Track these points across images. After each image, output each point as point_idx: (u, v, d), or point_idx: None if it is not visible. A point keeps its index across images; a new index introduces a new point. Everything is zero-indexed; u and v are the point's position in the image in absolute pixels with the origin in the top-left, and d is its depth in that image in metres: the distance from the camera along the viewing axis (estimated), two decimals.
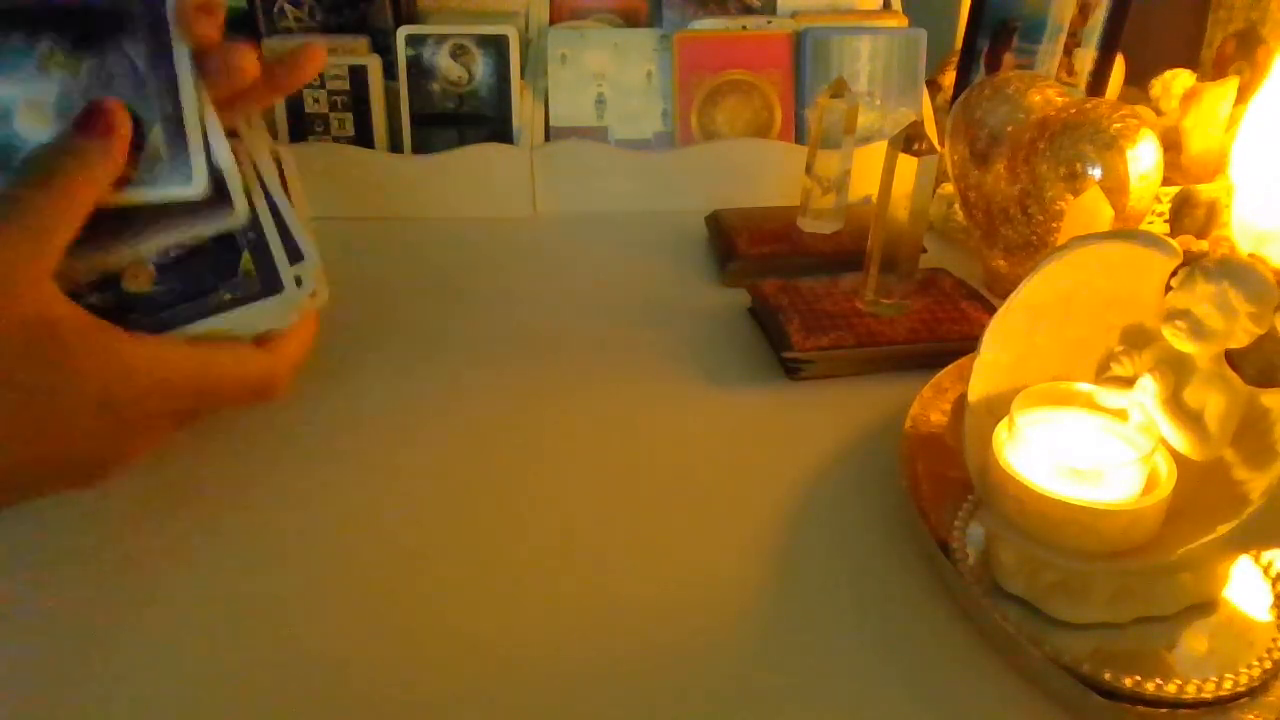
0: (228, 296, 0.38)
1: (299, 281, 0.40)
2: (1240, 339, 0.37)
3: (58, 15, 0.36)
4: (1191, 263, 0.38)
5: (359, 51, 0.80)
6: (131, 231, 0.37)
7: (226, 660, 0.37)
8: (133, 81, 0.36)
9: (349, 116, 0.80)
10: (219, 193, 0.38)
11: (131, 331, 0.36)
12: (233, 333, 0.39)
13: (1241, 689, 0.35)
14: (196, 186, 0.37)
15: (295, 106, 0.79)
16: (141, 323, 0.37)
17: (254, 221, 0.39)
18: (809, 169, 0.71)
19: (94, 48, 0.36)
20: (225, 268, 0.39)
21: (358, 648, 0.38)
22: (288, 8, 0.82)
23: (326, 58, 0.41)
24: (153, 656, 0.37)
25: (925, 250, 0.61)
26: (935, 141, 0.58)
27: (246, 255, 0.39)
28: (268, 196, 0.39)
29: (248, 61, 0.38)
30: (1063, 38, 0.77)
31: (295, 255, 0.40)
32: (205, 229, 0.38)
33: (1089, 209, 0.58)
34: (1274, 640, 0.37)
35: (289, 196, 0.40)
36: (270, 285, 0.39)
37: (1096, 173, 0.58)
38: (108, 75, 0.36)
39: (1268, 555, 0.40)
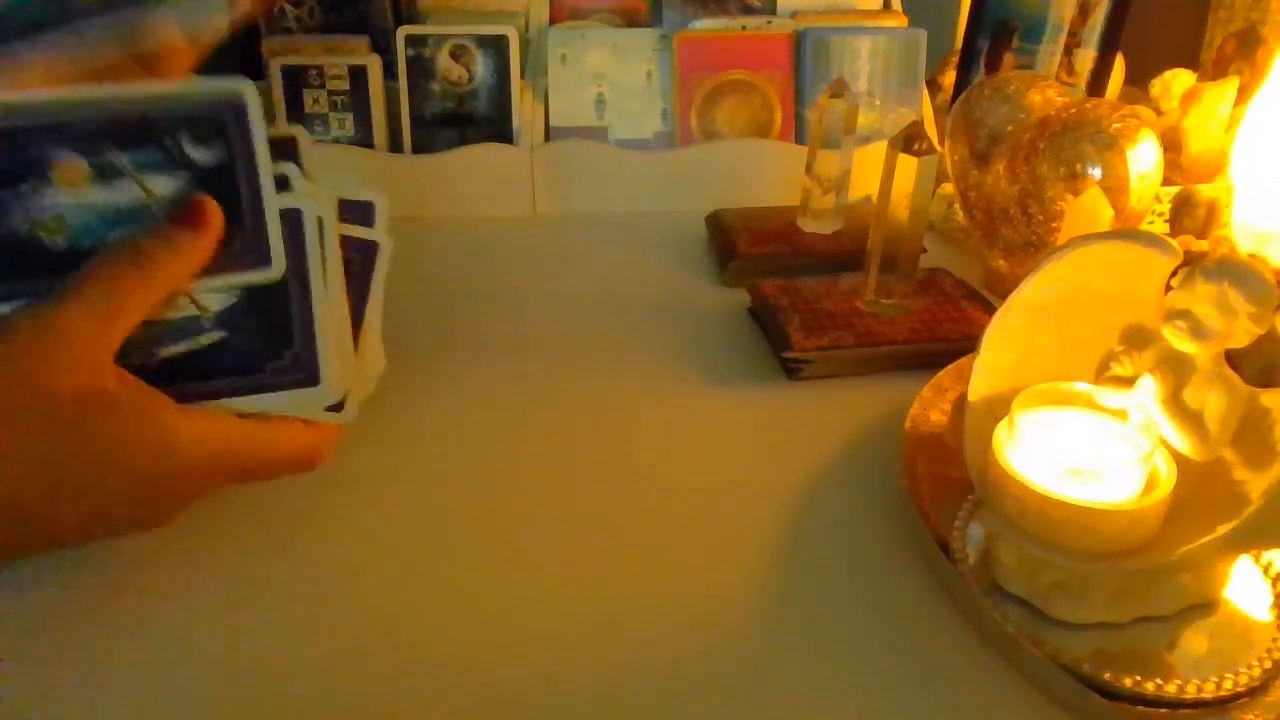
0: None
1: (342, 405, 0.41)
2: (1240, 339, 0.37)
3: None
4: (1191, 263, 0.38)
5: (359, 51, 0.80)
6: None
7: (216, 684, 0.37)
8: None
9: (349, 116, 0.80)
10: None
11: (181, 404, 0.36)
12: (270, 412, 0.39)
13: (1241, 689, 0.35)
14: (276, 268, 0.38)
15: (295, 106, 0.79)
16: (184, 391, 0.37)
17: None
18: (809, 169, 0.71)
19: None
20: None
21: (354, 652, 0.38)
22: (288, 8, 0.81)
23: None
24: (141, 683, 0.37)
25: (925, 250, 0.61)
26: (935, 141, 0.58)
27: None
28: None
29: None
30: (1063, 38, 0.77)
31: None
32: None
33: (1089, 209, 0.58)
34: (1274, 640, 0.37)
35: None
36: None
37: (1096, 173, 0.58)
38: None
39: (1268, 555, 0.40)
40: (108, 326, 0.34)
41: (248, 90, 0.37)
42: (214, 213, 0.37)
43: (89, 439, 0.34)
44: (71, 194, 0.36)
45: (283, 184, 0.38)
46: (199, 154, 0.37)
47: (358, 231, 0.42)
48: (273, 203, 0.38)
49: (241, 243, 0.38)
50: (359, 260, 0.42)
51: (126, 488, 0.35)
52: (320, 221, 0.39)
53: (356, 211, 0.42)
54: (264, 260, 0.38)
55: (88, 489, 0.35)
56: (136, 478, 0.35)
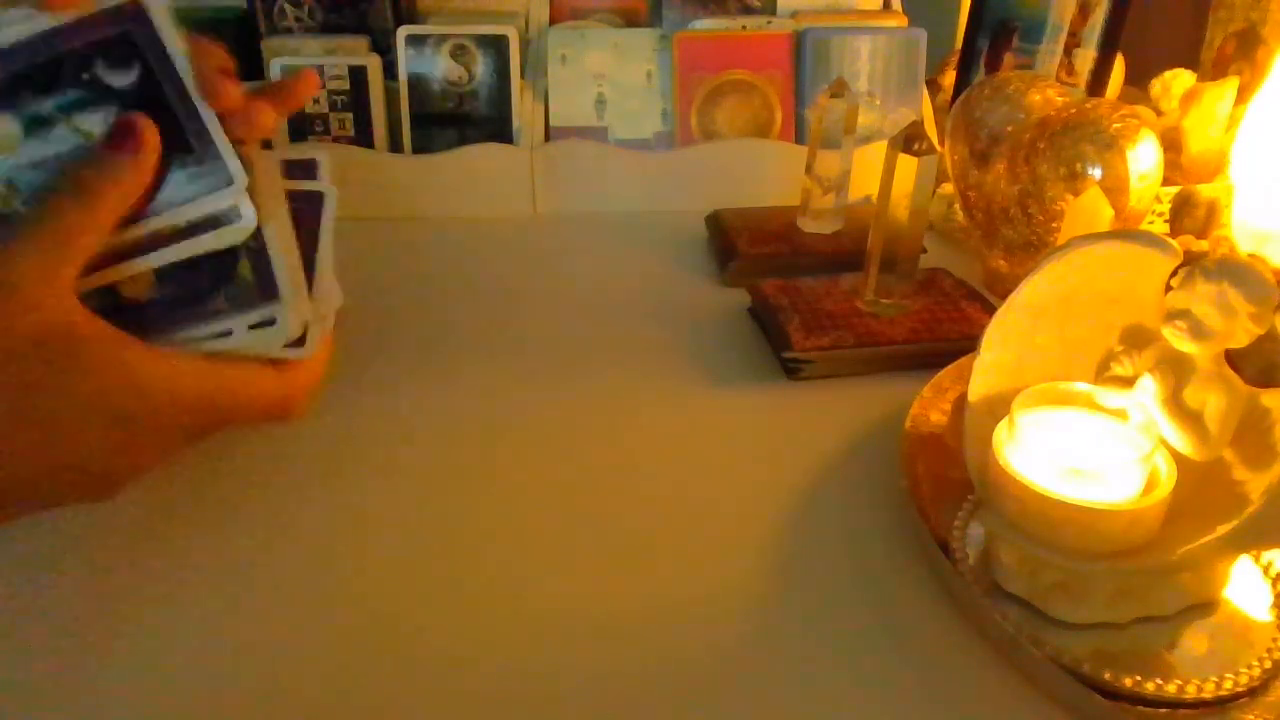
0: (224, 303, 0.38)
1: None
2: (1240, 339, 0.37)
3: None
4: (1191, 263, 0.38)
5: (359, 51, 0.80)
6: (140, 250, 0.37)
7: (218, 677, 0.37)
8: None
9: (349, 116, 0.80)
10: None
11: (148, 344, 0.36)
12: (239, 352, 0.38)
13: (1241, 689, 0.35)
14: (285, 298, 0.38)
15: None
16: (139, 327, 0.36)
17: (256, 231, 0.38)
18: (809, 169, 0.71)
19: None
20: (223, 275, 0.38)
21: (351, 659, 0.38)
22: (288, 8, 0.81)
23: (319, 81, 0.42)
24: (149, 665, 0.37)
25: (925, 250, 0.61)
26: (935, 141, 0.58)
27: (245, 262, 0.38)
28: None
29: (267, 118, 0.39)
30: (1063, 38, 0.77)
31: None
32: (214, 244, 0.38)
33: (1089, 209, 0.58)
34: (1274, 640, 0.37)
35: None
36: (268, 292, 0.39)
37: (1096, 173, 0.58)
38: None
39: (1268, 555, 0.40)
40: (60, 262, 0.34)
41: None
42: (146, 128, 0.36)
43: (61, 377, 0.33)
44: (9, 157, 0.35)
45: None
46: (120, 79, 0.36)
47: (304, 185, 0.42)
48: (210, 112, 0.37)
49: (196, 164, 0.37)
50: (308, 210, 0.42)
51: (98, 429, 0.35)
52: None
53: (301, 169, 0.43)
54: (226, 177, 0.37)
55: (60, 433, 0.34)
56: (112, 417, 0.35)
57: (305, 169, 0.44)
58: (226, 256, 0.38)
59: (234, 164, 0.37)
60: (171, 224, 0.37)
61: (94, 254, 0.35)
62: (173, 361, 0.36)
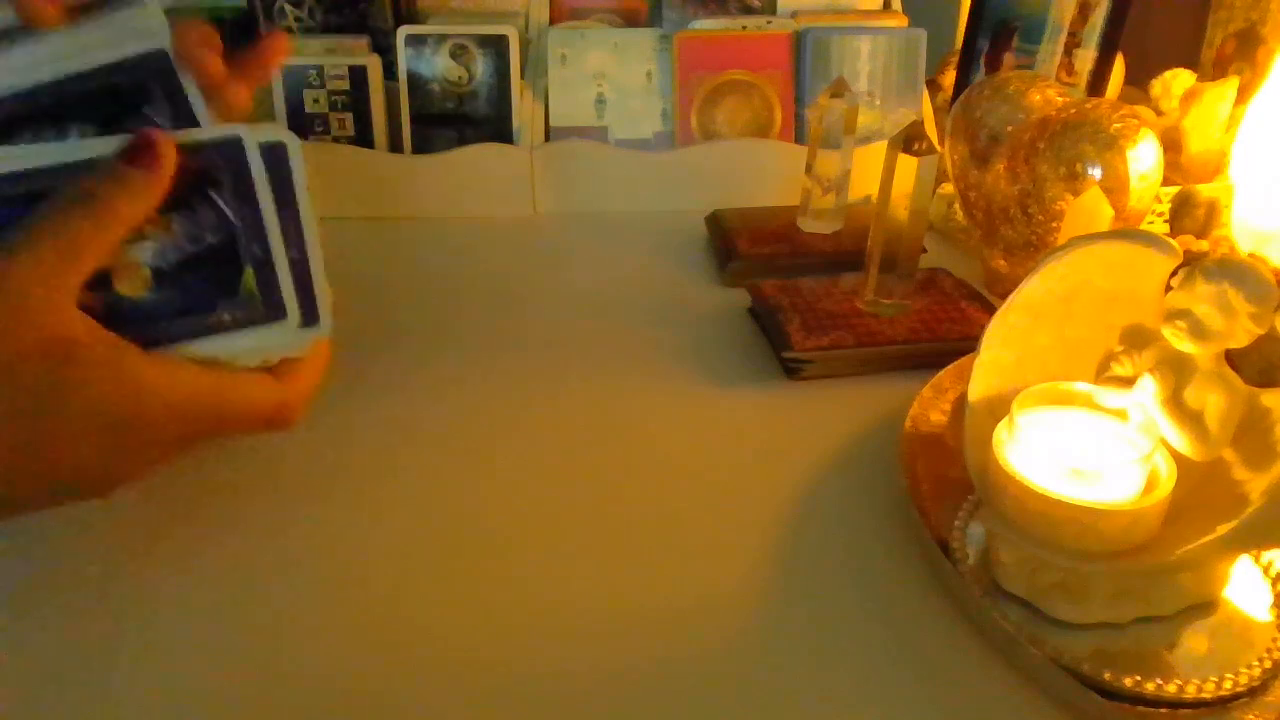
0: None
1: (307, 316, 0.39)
2: (1240, 339, 0.37)
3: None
4: (1191, 263, 0.38)
5: (359, 51, 0.80)
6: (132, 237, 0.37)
7: (222, 677, 0.37)
8: (225, 232, 0.37)
9: (349, 116, 0.80)
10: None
11: (146, 350, 0.36)
12: (236, 362, 0.38)
13: (1241, 689, 0.35)
14: (291, 319, 0.38)
15: (295, 106, 0.79)
16: (138, 334, 0.36)
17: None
18: (809, 169, 0.71)
19: (183, 205, 0.37)
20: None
21: (354, 659, 0.38)
22: (288, 8, 0.82)
23: (289, 44, 0.41)
24: (149, 670, 0.37)
25: (925, 250, 0.61)
26: (935, 141, 0.58)
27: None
28: (283, 210, 0.38)
29: (244, 99, 0.39)
30: (1063, 38, 0.77)
31: (305, 284, 0.39)
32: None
33: (1089, 209, 0.58)
34: (1274, 640, 0.37)
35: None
36: (274, 311, 0.38)
37: (1096, 173, 0.58)
38: (199, 230, 0.37)
39: (1268, 555, 0.40)
40: (65, 274, 0.33)
41: (244, 133, 0.37)
42: (164, 145, 0.35)
43: (55, 388, 0.33)
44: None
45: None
46: (197, 203, 0.37)
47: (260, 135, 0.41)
48: (280, 252, 0.38)
49: (244, 294, 0.38)
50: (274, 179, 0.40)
51: (94, 436, 0.34)
52: (275, 153, 0.38)
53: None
54: (277, 313, 0.38)
55: (55, 439, 0.34)
56: (105, 425, 0.34)
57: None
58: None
59: (292, 305, 0.38)
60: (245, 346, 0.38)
61: (100, 267, 0.35)
62: (170, 368, 0.36)
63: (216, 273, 0.38)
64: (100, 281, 0.36)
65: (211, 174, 0.37)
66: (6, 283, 0.32)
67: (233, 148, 0.37)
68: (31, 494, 0.36)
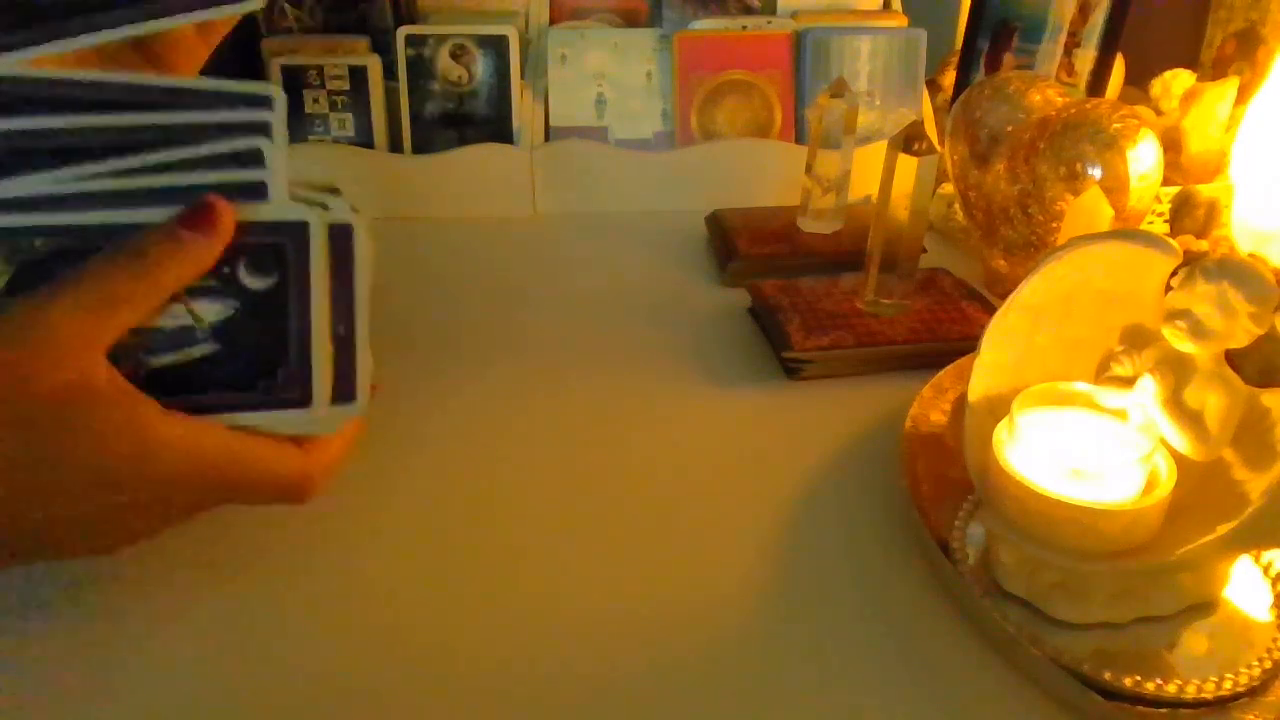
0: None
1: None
2: (1240, 339, 0.37)
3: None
4: (1191, 263, 0.38)
5: (359, 51, 0.80)
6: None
7: (222, 678, 0.37)
8: (275, 308, 0.36)
9: (349, 116, 0.80)
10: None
11: (165, 410, 0.34)
12: (261, 429, 0.37)
13: (1241, 689, 0.35)
14: (322, 400, 0.37)
15: (295, 106, 0.79)
16: (162, 390, 0.34)
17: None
18: (809, 169, 0.71)
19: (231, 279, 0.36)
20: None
21: (354, 659, 0.38)
22: (288, 8, 0.81)
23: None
24: (149, 670, 0.37)
25: (925, 250, 0.61)
26: (935, 141, 0.58)
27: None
28: (339, 288, 0.37)
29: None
30: (1063, 38, 0.77)
31: (347, 360, 0.37)
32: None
33: (1089, 209, 0.58)
34: (1274, 640, 0.37)
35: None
36: (307, 396, 0.37)
37: (1096, 173, 0.58)
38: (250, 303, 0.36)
39: (1268, 555, 0.40)
40: (100, 325, 0.33)
41: (312, 218, 0.35)
42: (224, 215, 0.34)
43: (64, 432, 0.32)
44: None
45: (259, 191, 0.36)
46: (254, 281, 0.36)
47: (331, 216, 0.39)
48: (323, 338, 0.36)
49: (284, 375, 0.36)
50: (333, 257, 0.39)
51: (95, 493, 0.33)
52: (340, 234, 0.37)
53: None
54: (304, 399, 0.36)
55: (60, 491, 0.33)
56: (108, 481, 0.33)
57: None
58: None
59: (320, 387, 0.37)
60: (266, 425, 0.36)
61: (137, 325, 0.34)
62: (187, 428, 0.35)
63: (257, 353, 0.36)
64: (140, 345, 0.35)
65: (277, 250, 0.36)
66: (43, 323, 0.32)
67: (297, 231, 0.36)
68: (32, 543, 0.35)
